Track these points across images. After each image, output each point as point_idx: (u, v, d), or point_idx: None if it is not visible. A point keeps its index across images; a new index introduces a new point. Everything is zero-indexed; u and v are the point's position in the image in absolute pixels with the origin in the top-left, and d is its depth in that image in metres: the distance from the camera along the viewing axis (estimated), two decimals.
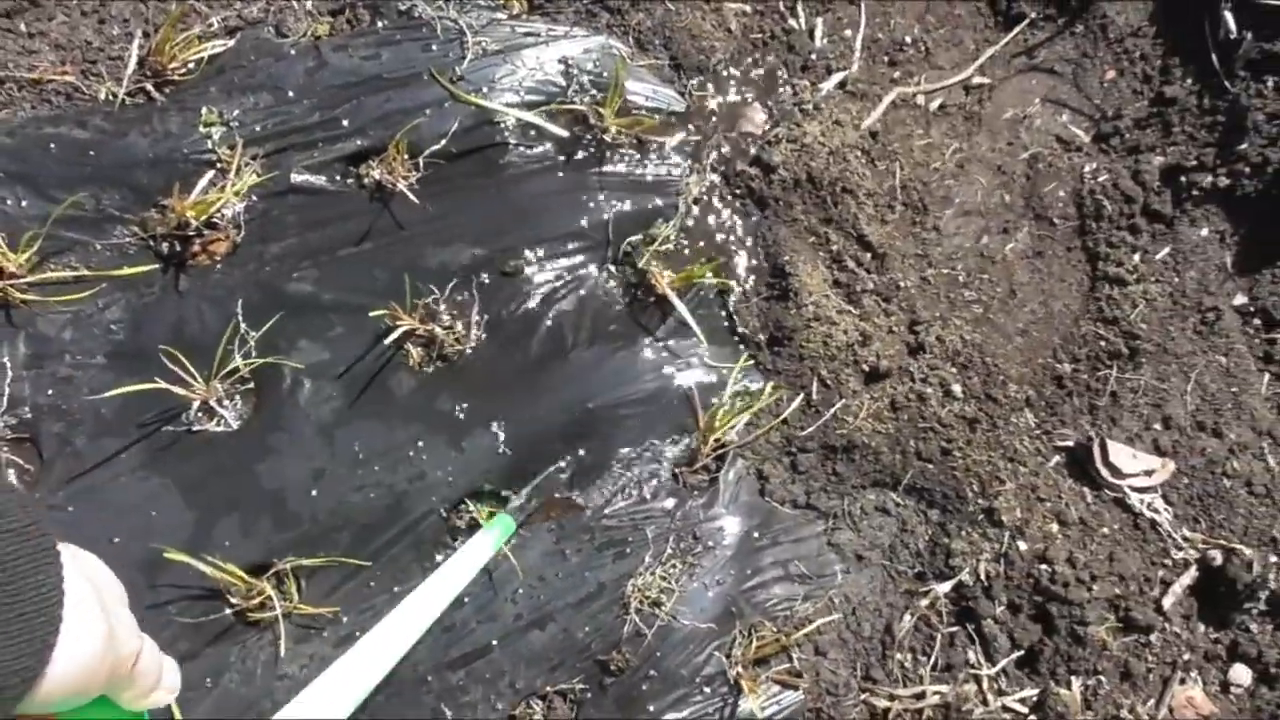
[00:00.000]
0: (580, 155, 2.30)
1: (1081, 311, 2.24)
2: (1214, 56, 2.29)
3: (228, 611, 2.02)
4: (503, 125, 2.29)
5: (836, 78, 2.43)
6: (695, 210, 2.30)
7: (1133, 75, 2.39)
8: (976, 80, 2.46)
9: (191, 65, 2.32)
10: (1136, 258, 2.22)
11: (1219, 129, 2.24)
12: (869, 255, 2.26)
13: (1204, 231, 2.23)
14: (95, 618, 0.76)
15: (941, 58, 2.48)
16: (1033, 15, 2.48)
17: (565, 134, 2.33)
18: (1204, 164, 2.23)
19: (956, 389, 2.16)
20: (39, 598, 0.70)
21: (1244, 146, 2.18)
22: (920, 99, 2.44)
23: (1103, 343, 2.18)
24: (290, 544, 2.04)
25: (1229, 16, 2.26)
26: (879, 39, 2.49)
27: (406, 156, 2.25)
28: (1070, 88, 2.43)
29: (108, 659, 0.77)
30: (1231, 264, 2.20)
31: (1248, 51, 2.22)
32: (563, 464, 2.07)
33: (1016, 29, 2.47)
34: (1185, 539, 2.06)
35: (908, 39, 2.49)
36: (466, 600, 2.02)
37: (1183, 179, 2.24)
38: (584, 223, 2.24)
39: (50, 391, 2.19)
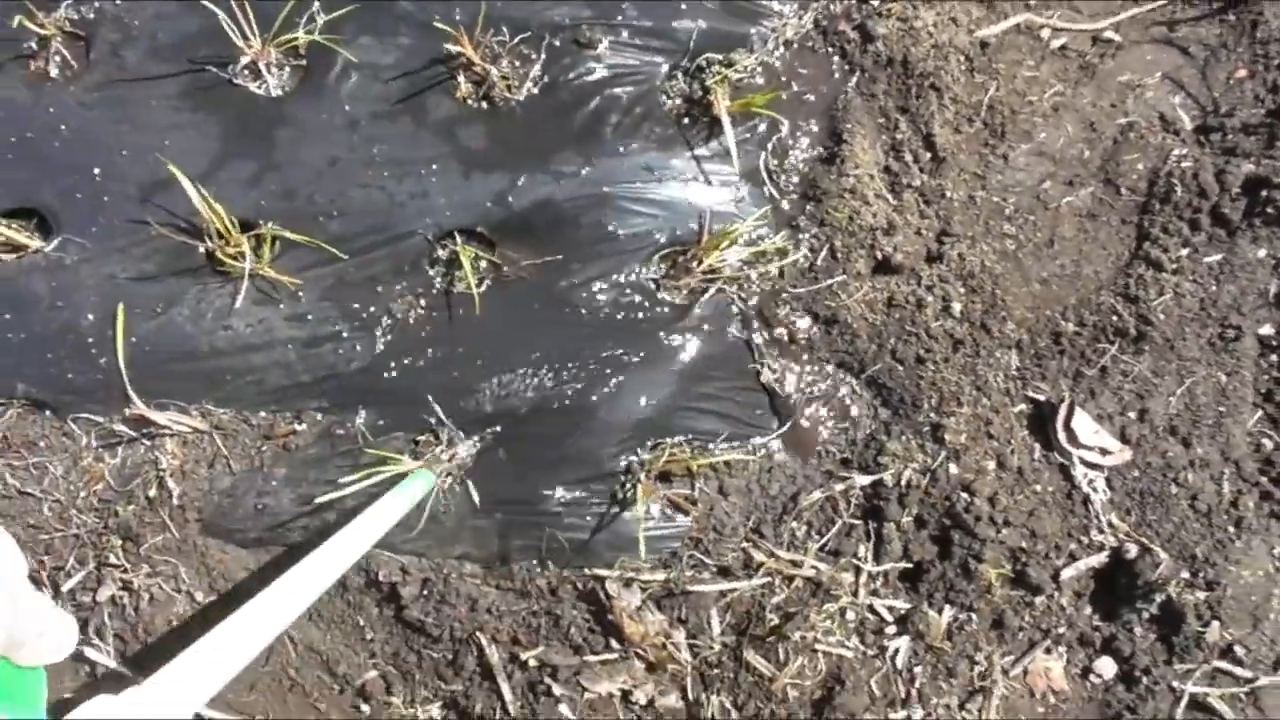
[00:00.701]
0: None
1: (1108, 282, 2.20)
2: None
3: (201, 250, 2.11)
4: None
5: None
6: (781, 51, 2.29)
7: (1261, 80, 2.30)
8: (1108, 35, 2.39)
9: None
10: (1184, 252, 2.18)
11: None
12: (929, 156, 2.25)
13: (1261, 253, 2.17)
14: None
15: (1083, 2, 2.41)
16: None
17: None
18: None
19: (956, 307, 2.16)
20: None
21: None
22: (1045, 32, 2.38)
23: (1115, 317, 2.16)
24: (281, 214, 2.13)
25: None
26: None
27: None
28: (1195, 73, 2.35)
29: (2, 625, 0.80)
30: (1275, 294, 2.14)
31: None
32: (489, 437, 2.09)
33: None
34: (1110, 524, 2.05)
35: None
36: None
37: (1263, 193, 2.17)
38: (673, 23, 2.25)
39: (108, 6, 2.27)
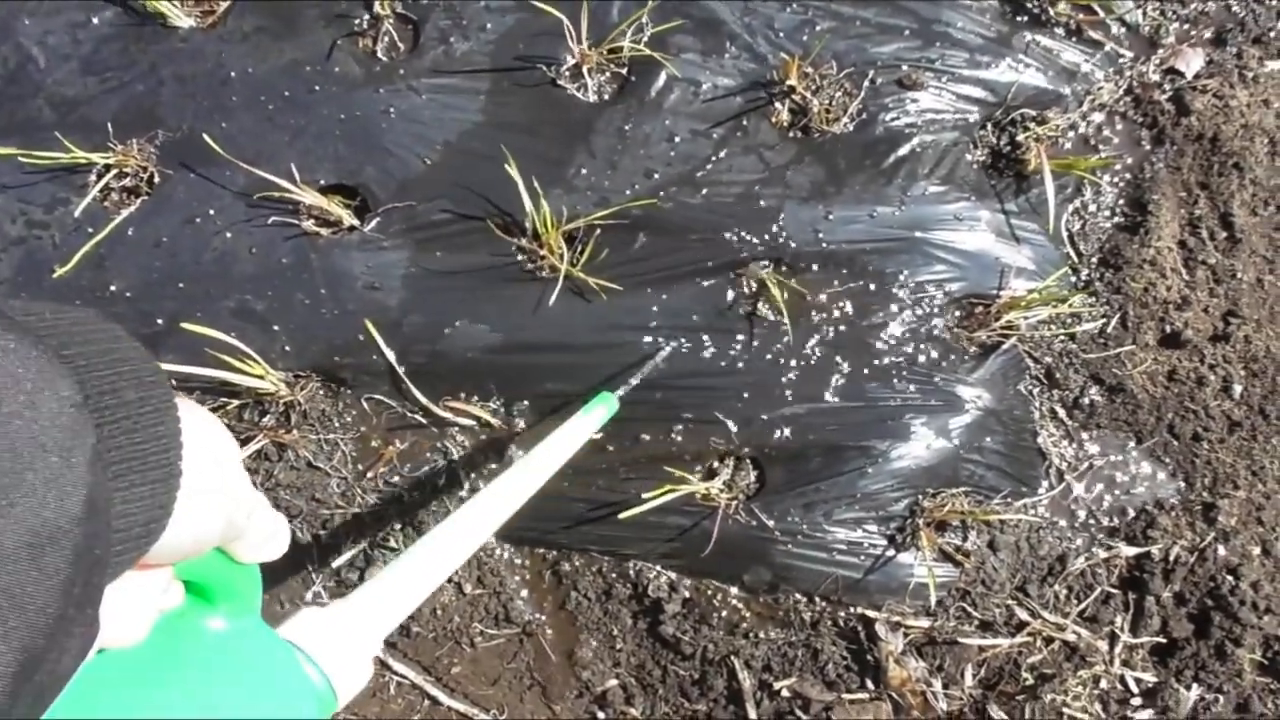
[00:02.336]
0: (1017, 14, 2.32)
1: None
2: None
3: (514, 246, 2.18)
4: None
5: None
6: (1094, 114, 2.31)
7: None
8: None
9: None
10: None
11: None
12: (1224, 234, 2.27)
13: None
14: (211, 472, 0.74)
15: None
16: None
17: None
18: None
19: (1237, 389, 2.19)
20: (160, 450, 0.65)
21: None
22: None
23: None
24: (595, 219, 2.18)
25: None
26: None
27: None
28: None
29: (223, 513, 0.76)
30: None
31: None
32: (663, 355, 2.14)
33: None
34: None
35: None
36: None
37: None
38: (992, 74, 2.28)
39: None
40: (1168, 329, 2.22)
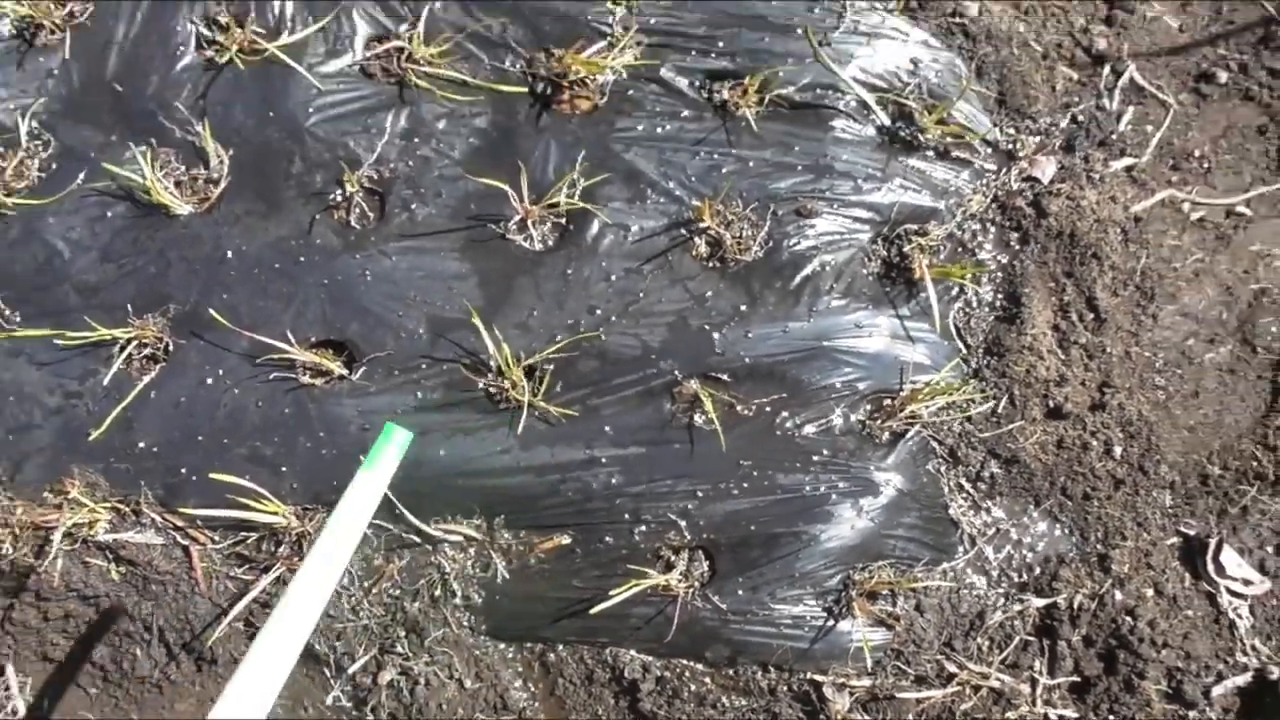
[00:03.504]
0: (892, 143, 2.73)
1: (1248, 430, 2.60)
2: None
3: (481, 384, 2.55)
4: (841, 95, 2.72)
5: (1125, 161, 2.79)
6: (967, 223, 2.71)
7: None
8: (1240, 209, 2.79)
9: None
10: None
11: None
12: (1091, 315, 2.65)
13: None
14: None
15: (1218, 179, 2.82)
16: None
17: (888, 121, 2.75)
18: None
19: (1117, 451, 2.55)
20: None
21: None
22: (1186, 206, 2.79)
23: (1255, 463, 2.55)
24: (548, 354, 2.55)
25: None
26: (1173, 143, 2.84)
27: (756, 90, 2.70)
28: None
29: None
30: None
31: None
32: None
33: None
34: (1254, 648, 2.44)
35: (1196, 152, 2.84)
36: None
37: None
38: (876, 197, 2.67)
39: (410, 163, 2.74)
40: (1051, 404, 2.59)
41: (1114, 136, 2.82)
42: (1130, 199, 2.76)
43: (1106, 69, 2.92)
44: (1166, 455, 2.57)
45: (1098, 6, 3.03)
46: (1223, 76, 2.93)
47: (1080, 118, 2.85)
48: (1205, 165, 2.84)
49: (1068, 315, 2.65)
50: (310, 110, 2.79)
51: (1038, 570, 2.50)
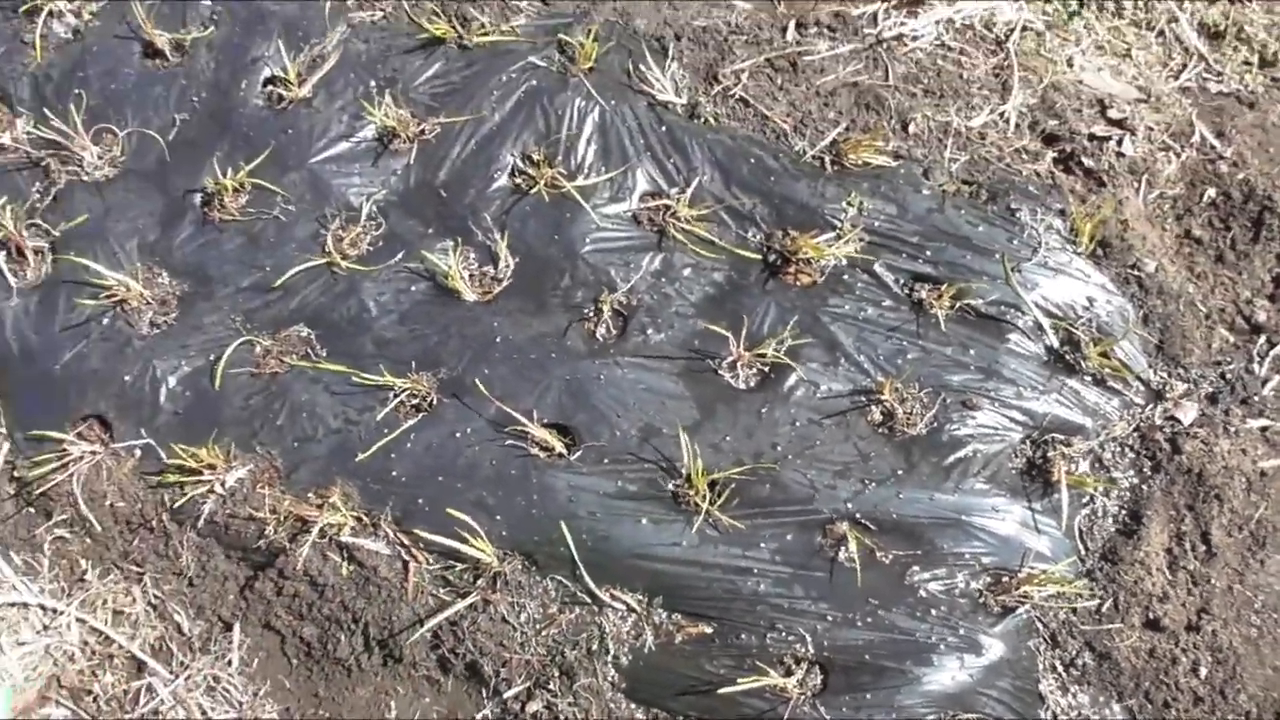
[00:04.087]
0: (1057, 363, 3.21)
1: None
2: None
3: (670, 486, 3.12)
4: (1021, 314, 3.23)
5: (1262, 422, 3.19)
6: (1110, 447, 3.16)
7: None
8: None
9: (864, 162, 3.41)
10: None
11: None
12: (1204, 548, 3.04)
13: None
14: None
15: None
16: None
17: (1056, 344, 3.25)
18: None
19: (1203, 671, 2.92)
20: None
21: None
22: None
23: None
24: (732, 474, 3.11)
25: None
26: None
27: (950, 295, 3.24)
28: None
29: None
30: None
31: None
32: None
33: None
34: None
35: None
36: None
37: None
38: (1033, 405, 3.16)
39: (655, 297, 3.38)
40: (1150, 615, 2.98)
41: (1256, 398, 3.22)
42: (1260, 455, 3.14)
43: (1263, 339, 3.34)
44: (1248, 686, 2.91)
45: (1264, 284, 3.45)
46: None
47: (1229, 375, 3.27)
48: None
49: (1182, 542, 3.05)
50: (587, 240, 3.48)
51: None
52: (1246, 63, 3.96)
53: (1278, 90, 3.91)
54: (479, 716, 3.08)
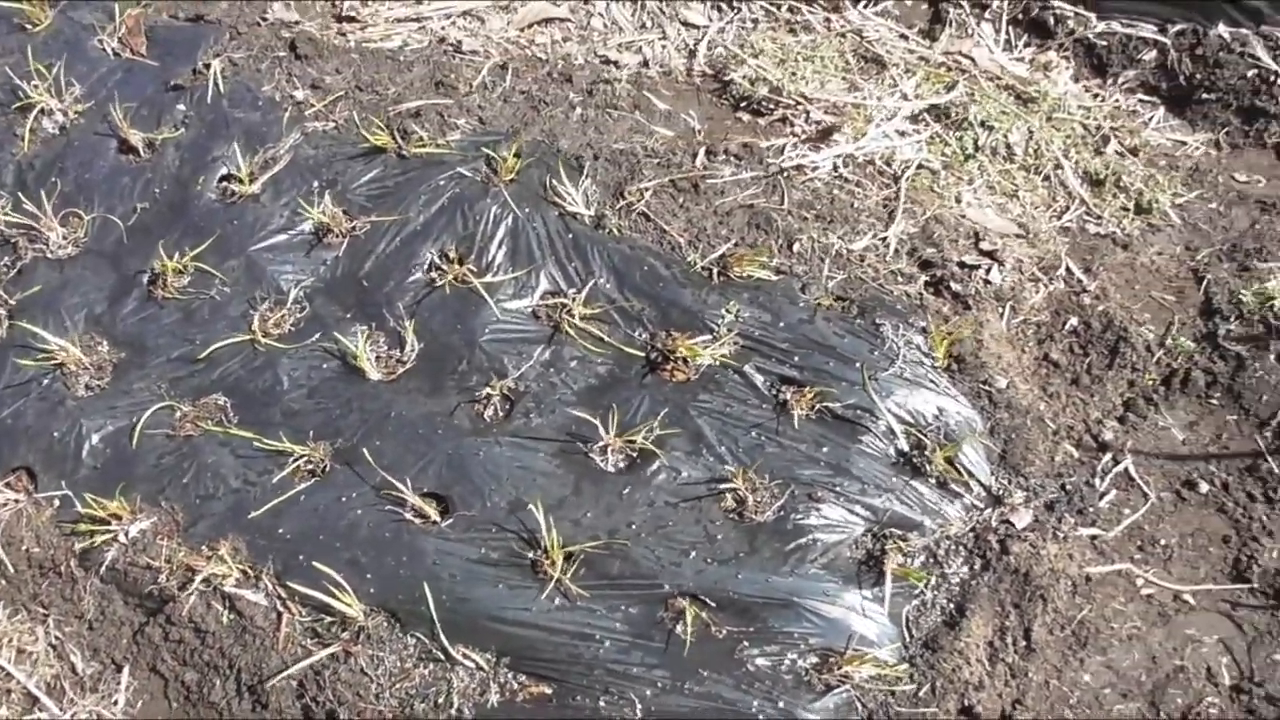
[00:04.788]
0: (903, 465, 3.45)
1: None
2: None
3: (529, 556, 3.35)
4: (875, 419, 3.48)
5: (1093, 531, 3.39)
6: (944, 545, 3.36)
7: None
8: (1187, 596, 3.31)
9: (747, 275, 3.72)
10: None
11: None
12: (1024, 643, 3.20)
13: None
14: None
15: (1176, 567, 3.35)
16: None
17: (906, 447, 3.49)
18: None
19: None
20: None
21: None
22: (1140, 581, 3.33)
23: None
24: (587, 548, 3.34)
25: None
26: (1144, 529, 3.41)
27: (810, 398, 3.51)
28: (1244, 645, 3.22)
29: None
30: None
31: None
32: None
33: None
34: None
35: (1163, 541, 3.39)
36: None
37: None
38: (876, 501, 3.37)
39: (541, 385, 3.68)
40: (965, 702, 3.13)
41: (1091, 509, 3.43)
42: (1087, 561, 3.33)
43: (1107, 456, 3.56)
44: None
45: (1115, 406, 3.69)
46: (1204, 487, 3.50)
47: (1069, 487, 3.48)
48: (1168, 554, 3.39)
49: (1004, 637, 3.22)
50: (486, 330, 3.80)
51: None
52: (1124, 208, 4.24)
53: (1151, 235, 4.19)
54: None
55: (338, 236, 4.04)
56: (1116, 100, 4.61)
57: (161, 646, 3.41)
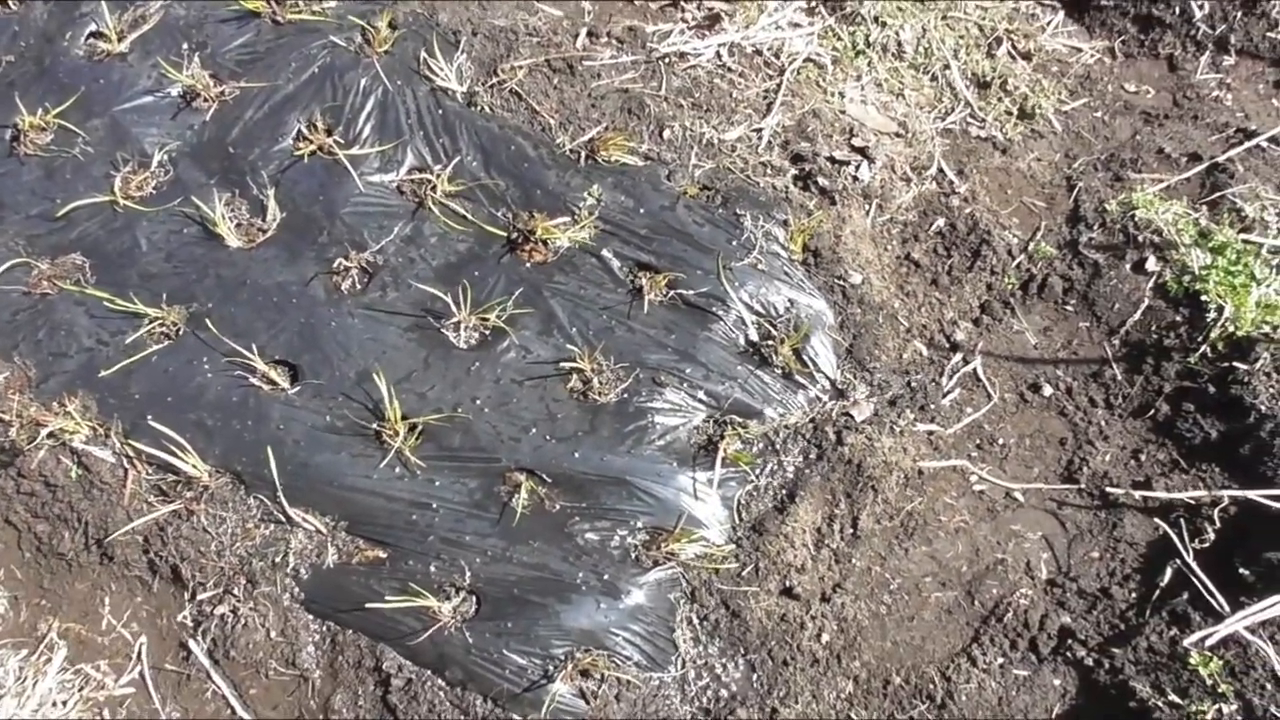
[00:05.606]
0: (750, 354, 3.49)
1: (938, 660, 3.15)
2: None
3: (373, 427, 3.37)
4: (727, 308, 3.51)
5: (930, 427, 3.45)
6: (783, 433, 3.42)
7: (1105, 565, 3.25)
8: (1017, 494, 3.40)
9: (614, 160, 3.70)
10: (999, 661, 3.11)
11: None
12: (851, 531, 3.28)
13: (1057, 682, 3.08)
14: None
15: (1010, 466, 3.44)
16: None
17: (755, 337, 3.52)
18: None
19: (825, 638, 3.14)
20: None
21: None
22: (973, 478, 3.42)
23: (930, 685, 3.10)
24: (430, 418, 3.36)
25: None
26: (984, 428, 3.50)
27: (664, 284, 3.52)
28: (1065, 542, 3.32)
29: None
30: (1055, 715, 3.05)
31: None
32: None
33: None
34: None
35: (1001, 440, 3.49)
36: None
37: (1069, 641, 3.10)
38: (719, 388, 3.42)
39: (400, 259, 3.69)
40: (787, 584, 3.21)
41: (933, 407, 3.49)
42: (921, 455, 3.40)
43: (957, 356, 3.62)
44: (863, 655, 3.14)
45: (971, 308, 3.73)
46: (1049, 390, 3.57)
47: (914, 384, 3.53)
48: (1004, 453, 3.47)
49: (832, 524, 3.29)
50: (349, 203, 3.77)
51: (722, 703, 3.09)
52: (1008, 112, 4.24)
53: (1033, 141, 4.20)
54: (180, 616, 3.29)
55: (206, 101, 3.97)
56: (1015, 3, 4.55)
57: (14, 498, 3.43)
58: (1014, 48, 4.44)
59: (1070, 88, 4.38)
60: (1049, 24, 4.60)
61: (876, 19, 4.37)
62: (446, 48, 4.00)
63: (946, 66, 4.30)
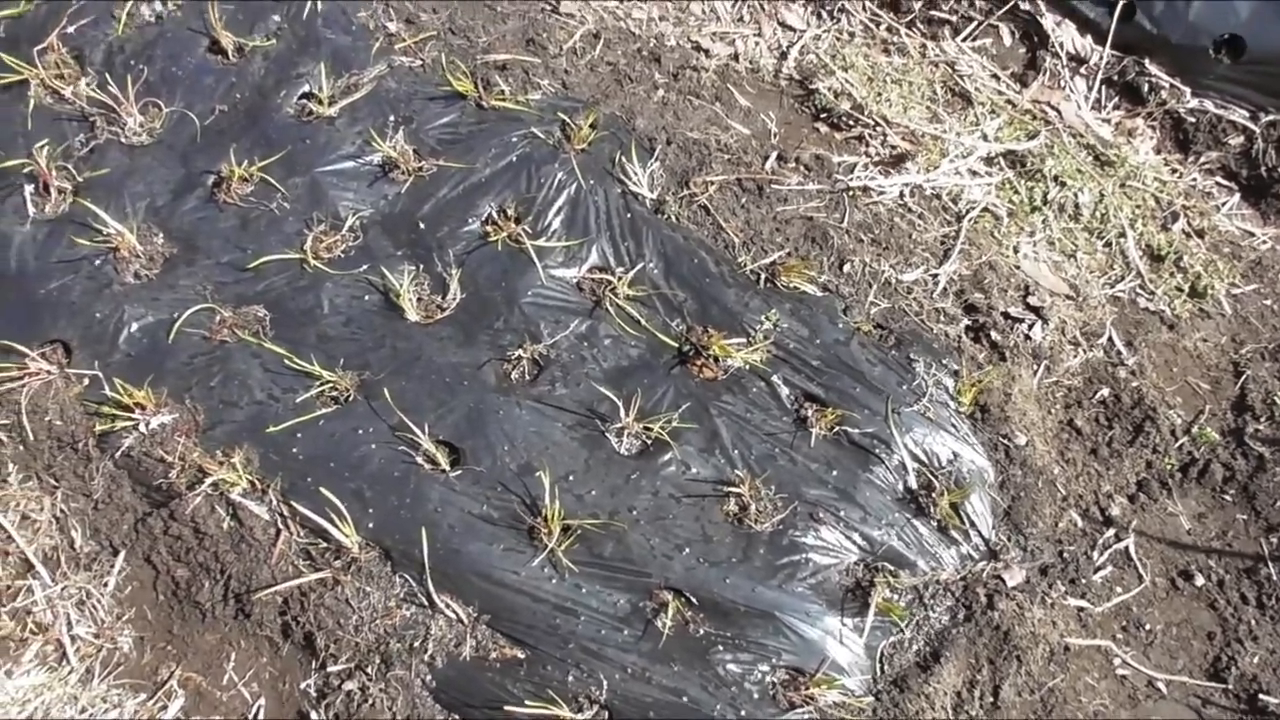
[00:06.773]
0: (908, 502, 3.49)
1: None
2: None
3: (528, 524, 3.41)
4: (891, 452, 3.52)
5: (1081, 603, 3.41)
6: (933, 588, 3.40)
7: None
8: (1160, 684, 3.33)
9: (793, 286, 3.75)
10: None
11: None
12: (991, 700, 3.23)
13: None
14: None
15: (1155, 654, 3.38)
16: None
17: (914, 485, 3.52)
18: None
19: None
20: None
21: None
22: (1116, 660, 3.36)
23: None
24: (584, 522, 3.39)
25: None
26: (1132, 610, 3.44)
27: (831, 419, 3.54)
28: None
29: None
30: None
31: None
32: None
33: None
34: None
35: (1148, 626, 3.43)
36: None
37: None
38: (874, 533, 3.42)
39: (572, 356, 3.73)
40: None
41: (1084, 581, 3.45)
42: (1069, 631, 3.36)
43: (1110, 531, 3.58)
44: None
45: (1128, 483, 3.70)
46: (1200, 580, 3.51)
47: (1066, 555, 3.50)
48: (1150, 639, 3.41)
49: (973, 690, 3.25)
50: (530, 292, 3.85)
51: None
52: (1179, 288, 4.22)
53: (1200, 320, 4.18)
54: (304, 684, 3.33)
55: (404, 174, 4.09)
56: (1194, 179, 4.56)
57: (160, 539, 3.50)
58: (1189, 224, 4.41)
59: (1243, 271, 4.32)
60: (1224, 204, 4.57)
61: (1056, 178, 4.38)
62: (641, 154, 4.09)
63: (1122, 234, 4.29)
